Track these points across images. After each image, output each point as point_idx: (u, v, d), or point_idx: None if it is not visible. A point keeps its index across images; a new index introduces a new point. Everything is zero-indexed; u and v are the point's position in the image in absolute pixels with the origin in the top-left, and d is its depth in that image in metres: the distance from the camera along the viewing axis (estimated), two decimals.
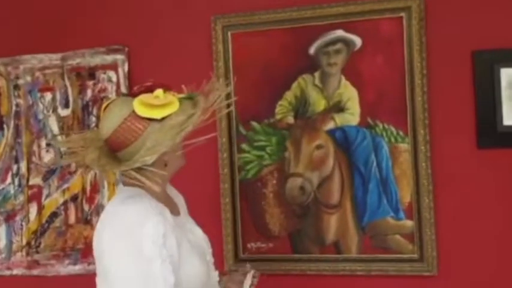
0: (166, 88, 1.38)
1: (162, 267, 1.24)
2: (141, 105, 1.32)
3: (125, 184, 1.42)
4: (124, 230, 1.27)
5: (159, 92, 1.36)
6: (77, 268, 2.25)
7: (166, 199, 1.46)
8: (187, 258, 1.34)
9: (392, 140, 2.00)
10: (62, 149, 1.40)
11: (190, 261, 1.35)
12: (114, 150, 1.36)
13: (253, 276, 1.58)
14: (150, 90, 1.36)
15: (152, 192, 1.37)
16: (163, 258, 1.25)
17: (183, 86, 1.44)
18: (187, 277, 1.32)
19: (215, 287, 1.49)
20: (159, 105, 1.33)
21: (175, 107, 1.34)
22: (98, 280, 1.38)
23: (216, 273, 1.52)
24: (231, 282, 1.60)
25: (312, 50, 2.05)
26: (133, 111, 1.32)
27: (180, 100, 1.37)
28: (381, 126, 2.00)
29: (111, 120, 1.34)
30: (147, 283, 1.23)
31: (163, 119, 1.32)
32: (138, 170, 1.32)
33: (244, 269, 1.66)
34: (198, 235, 1.50)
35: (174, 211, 1.45)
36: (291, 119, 2.09)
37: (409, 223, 1.98)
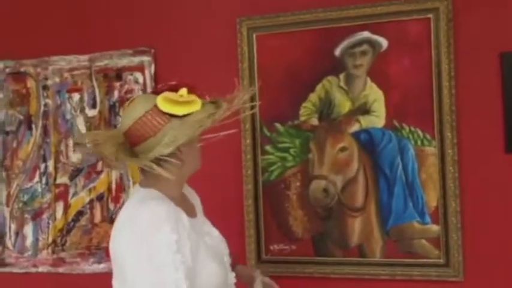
0: (191, 88, 1.39)
1: (175, 274, 1.24)
2: (164, 101, 1.33)
3: (142, 185, 1.42)
4: (138, 235, 1.27)
5: (183, 90, 1.37)
6: (102, 267, 2.28)
7: (183, 201, 1.46)
8: (205, 262, 1.34)
9: (419, 143, 1.97)
10: (85, 142, 1.43)
11: (207, 264, 1.35)
12: (132, 144, 1.37)
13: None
14: (174, 89, 1.38)
15: (169, 195, 1.37)
16: (176, 265, 1.24)
17: (206, 96, 1.44)
18: (206, 280, 1.32)
19: (232, 287, 1.49)
20: (182, 102, 1.34)
21: (197, 106, 1.35)
22: (115, 283, 1.39)
23: (233, 274, 1.51)
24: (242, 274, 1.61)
25: (337, 52, 2.05)
26: (156, 106, 1.33)
27: (204, 102, 1.39)
28: (407, 128, 1.98)
29: (132, 114, 1.35)
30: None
31: (184, 116, 1.33)
32: (156, 163, 1.33)
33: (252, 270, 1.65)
34: (215, 236, 1.50)
35: (191, 213, 1.45)
36: (315, 121, 2.08)
37: (435, 228, 1.95)
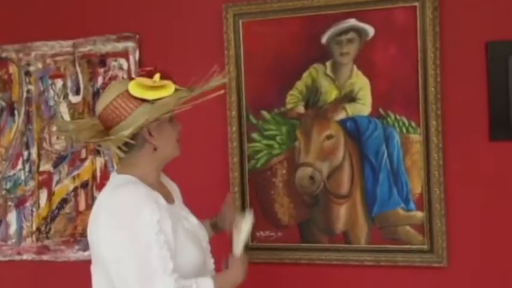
0: (166, 74, 1.40)
1: (160, 253, 1.26)
2: (135, 86, 1.35)
3: (118, 172, 1.44)
4: (120, 218, 1.29)
5: (156, 76, 1.38)
6: (86, 254, 2.25)
7: (160, 187, 1.47)
8: (183, 245, 1.35)
9: (404, 130, 1.98)
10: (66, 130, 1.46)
11: (186, 248, 1.36)
12: (106, 127, 1.39)
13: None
14: (150, 74, 1.39)
15: (145, 180, 1.38)
16: (160, 244, 1.27)
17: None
18: (183, 263, 1.34)
19: (211, 273, 1.49)
20: (153, 87, 1.36)
21: (169, 91, 1.36)
22: (94, 268, 1.41)
23: (212, 260, 1.53)
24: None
25: (324, 39, 2.04)
26: (127, 91, 1.35)
27: (178, 88, 1.39)
28: (392, 116, 1.99)
29: (105, 98, 1.38)
30: (147, 271, 1.25)
31: (154, 100, 1.35)
32: (127, 150, 1.37)
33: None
34: (193, 223, 1.51)
35: (169, 199, 1.46)
36: (301, 109, 2.08)
37: (419, 214, 1.98)
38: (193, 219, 1.52)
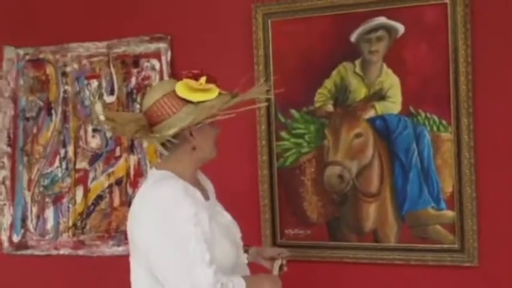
0: (212, 79, 1.45)
1: (198, 245, 1.31)
2: (182, 87, 1.41)
3: (157, 168, 1.49)
4: (159, 211, 1.34)
5: (202, 79, 1.43)
6: (121, 249, 2.33)
7: (197, 184, 1.51)
8: (218, 239, 1.40)
9: (435, 129, 1.97)
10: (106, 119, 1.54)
11: (221, 242, 1.40)
12: (151, 124, 1.45)
13: (282, 258, 1.62)
14: (196, 77, 1.44)
15: (182, 176, 1.43)
16: (198, 236, 1.32)
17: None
18: (219, 256, 1.37)
19: (244, 268, 1.53)
20: (199, 89, 1.41)
21: (213, 94, 1.41)
22: (133, 261, 1.46)
23: (245, 255, 1.58)
24: (262, 257, 1.68)
25: (353, 38, 2.04)
26: (174, 91, 1.41)
27: (222, 92, 1.44)
28: (423, 115, 1.97)
29: (152, 95, 1.45)
30: (186, 261, 1.30)
31: (198, 102, 1.40)
32: (169, 147, 1.43)
33: (276, 249, 1.71)
34: (227, 219, 1.55)
35: (204, 196, 1.50)
36: (330, 107, 2.09)
37: (450, 213, 1.96)
38: (227, 216, 1.57)
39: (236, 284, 1.34)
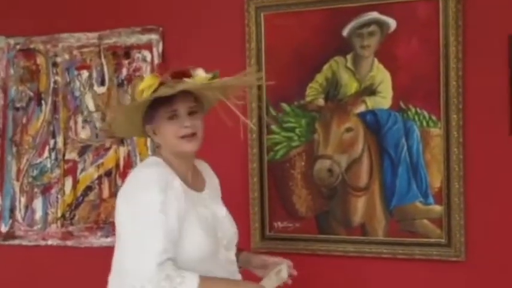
0: (180, 74, 1.45)
1: (154, 233, 1.32)
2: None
3: (153, 154, 1.55)
4: (129, 195, 1.40)
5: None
6: (109, 240, 2.32)
7: (191, 174, 1.52)
8: (190, 230, 1.39)
9: (424, 124, 1.98)
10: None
11: (192, 233, 1.40)
12: None
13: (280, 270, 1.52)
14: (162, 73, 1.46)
15: (169, 162, 1.46)
16: (156, 224, 1.33)
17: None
18: (189, 247, 1.38)
19: (227, 265, 1.49)
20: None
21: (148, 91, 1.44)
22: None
23: (230, 253, 1.53)
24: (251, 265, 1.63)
25: (345, 32, 2.05)
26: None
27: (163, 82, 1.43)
28: (413, 110, 1.99)
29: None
30: (137, 247, 1.33)
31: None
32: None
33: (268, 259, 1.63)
34: (218, 214, 1.53)
35: (196, 186, 1.51)
36: (321, 101, 2.09)
37: (437, 208, 1.97)
38: (220, 211, 1.55)
39: (187, 279, 1.31)
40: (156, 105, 1.43)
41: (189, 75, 1.43)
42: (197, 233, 1.41)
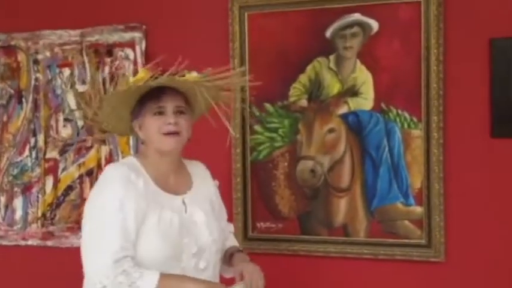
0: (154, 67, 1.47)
1: (109, 231, 1.33)
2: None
3: (135, 153, 1.56)
4: (91, 194, 1.43)
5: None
6: None
7: (171, 173, 1.50)
8: (146, 233, 1.38)
9: (406, 126, 1.99)
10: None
11: (147, 236, 1.38)
12: None
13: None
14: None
15: (149, 160, 1.48)
16: (114, 222, 1.33)
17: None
18: (143, 250, 1.38)
19: (196, 275, 1.43)
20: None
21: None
22: None
23: (201, 262, 1.47)
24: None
25: (328, 33, 2.05)
26: None
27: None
28: (394, 111, 2.00)
29: None
30: (93, 243, 1.34)
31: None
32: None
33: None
34: (196, 219, 1.49)
35: (175, 188, 1.49)
36: (304, 102, 2.10)
37: (418, 209, 1.99)
38: (199, 217, 1.49)
39: (146, 274, 1.30)
40: (145, 100, 1.44)
41: (181, 76, 1.44)
42: (152, 237, 1.39)
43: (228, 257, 1.60)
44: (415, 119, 1.98)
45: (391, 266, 2.03)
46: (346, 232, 2.06)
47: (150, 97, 1.44)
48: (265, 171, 2.14)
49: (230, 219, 2.14)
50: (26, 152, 2.43)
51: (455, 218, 1.97)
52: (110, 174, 1.43)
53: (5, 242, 2.44)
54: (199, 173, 1.62)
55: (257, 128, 2.15)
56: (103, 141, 2.32)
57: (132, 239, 1.36)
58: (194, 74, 1.46)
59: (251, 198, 2.16)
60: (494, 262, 1.95)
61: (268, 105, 2.13)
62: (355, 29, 2.03)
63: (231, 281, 1.51)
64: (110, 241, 1.31)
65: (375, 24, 2.00)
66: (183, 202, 1.50)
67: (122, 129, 1.59)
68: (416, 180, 1.99)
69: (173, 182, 1.51)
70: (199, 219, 1.50)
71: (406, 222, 2.00)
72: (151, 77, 1.40)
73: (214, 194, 1.63)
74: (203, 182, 1.60)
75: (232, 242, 1.69)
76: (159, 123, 1.44)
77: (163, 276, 1.32)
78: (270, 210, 2.14)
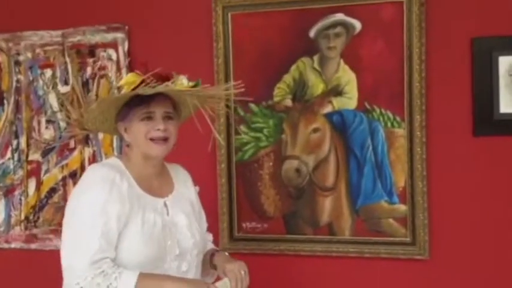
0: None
1: (89, 232, 1.33)
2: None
3: (118, 154, 1.55)
4: (73, 194, 1.42)
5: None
6: None
7: (154, 176, 1.51)
8: (128, 235, 1.38)
9: (389, 125, 2.01)
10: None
11: (130, 239, 1.38)
12: None
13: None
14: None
15: (133, 162, 1.47)
16: (94, 224, 1.33)
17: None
18: (125, 253, 1.38)
19: (171, 273, 1.44)
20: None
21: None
22: None
23: (184, 264, 1.47)
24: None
25: (312, 33, 2.05)
26: None
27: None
28: (378, 111, 2.01)
29: None
30: (73, 244, 1.35)
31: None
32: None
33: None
34: (178, 222, 1.49)
35: (158, 191, 1.49)
36: (289, 102, 2.10)
37: (402, 207, 2.01)
38: (181, 220, 1.50)
39: (124, 275, 1.31)
40: (133, 104, 1.43)
41: (170, 79, 1.42)
42: (136, 239, 1.39)
43: (209, 258, 1.60)
44: (398, 118, 2.00)
45: (376, 264, 2.05)
46: (331, 231, 2.07)
47: (139, 102, 1.42)
48: (251, 171, 2.14)
49: (215, 219, 2.16)
50: (8, 154, 2.39)
51: (438, 215, 1.99)
52: (94, 174, 1.42)
53: None
54: (181, 177, 1.63)
55: (242, 128, 2.14)
56: (86, 143, 2.30)
57: (114, 241, 1.35)
58: (184, 80, 1.45)
59: (236, 199, 2.15)
60: (478, 259, 1.97)
61: (253, 106, 2.13)
62: (339, 29, 2.03)
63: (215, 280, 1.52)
64: (88, 242, 1.31)
65: (357, 24, 2.01)
66: (165, 204, 1.51)
67: (106, 129, 1.58)
68: (400, 178, 2.01)
69: (156, 185, 1.51)
70: (180, 221, 1.51)
71: (391, 220, 2.02)
72: (141, 82, 1.39)
73: (195, 198, 1.64)
74: (184, 185, 1.62)
75: (211, 248, 1.69)
76: (147, 128, 1.44)
77: (143, 276, 1.32)
78: (255, 210, 2.14)
